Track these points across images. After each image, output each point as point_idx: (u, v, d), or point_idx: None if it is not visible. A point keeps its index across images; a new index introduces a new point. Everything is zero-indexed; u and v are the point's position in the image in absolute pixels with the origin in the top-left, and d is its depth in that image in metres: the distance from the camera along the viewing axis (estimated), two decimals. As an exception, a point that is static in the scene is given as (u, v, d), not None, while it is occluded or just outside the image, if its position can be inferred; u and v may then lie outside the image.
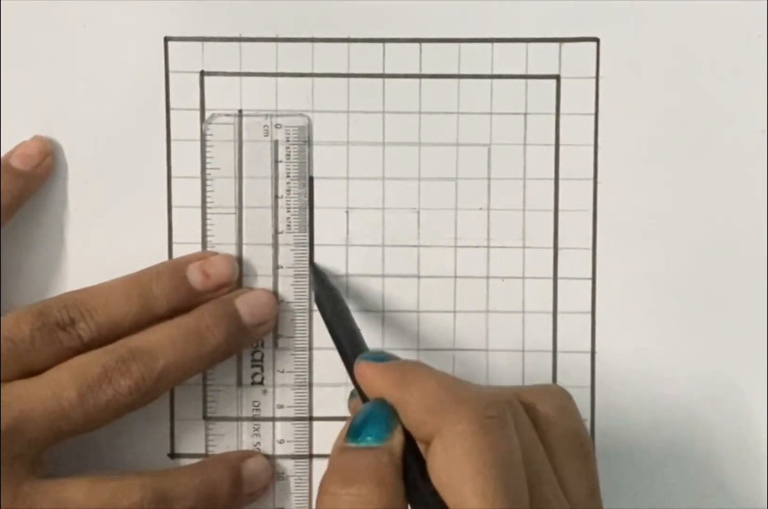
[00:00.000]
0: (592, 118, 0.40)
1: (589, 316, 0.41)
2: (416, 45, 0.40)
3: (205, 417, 0.41)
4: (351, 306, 0.40)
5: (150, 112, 0.40)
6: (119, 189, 0.40)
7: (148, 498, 0.36)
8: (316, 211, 0.41)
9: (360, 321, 0.40)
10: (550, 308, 0.41)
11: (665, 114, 0.40)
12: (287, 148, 0.40)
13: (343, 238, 0.41)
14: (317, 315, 0.40)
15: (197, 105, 0.40)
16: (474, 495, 0.28)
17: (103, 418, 0.36)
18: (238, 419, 0.41)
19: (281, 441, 0.41)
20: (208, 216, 0.40)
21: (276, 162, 0.40)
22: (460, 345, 0.41)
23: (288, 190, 0.40)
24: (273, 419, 0.41)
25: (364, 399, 0.33)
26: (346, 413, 0.39)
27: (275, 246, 0.40)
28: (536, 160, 0.40)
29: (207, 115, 0.40)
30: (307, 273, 0.40)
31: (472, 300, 0.41)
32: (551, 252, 0.41)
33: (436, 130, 0.40)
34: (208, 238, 0.40)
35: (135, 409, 0.37)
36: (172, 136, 0.40)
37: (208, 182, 0.40)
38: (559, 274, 0.41)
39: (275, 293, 0.40)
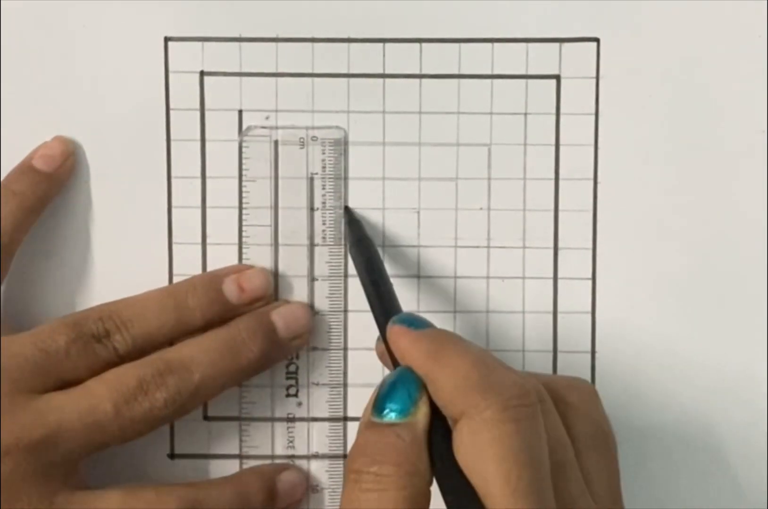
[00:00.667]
0: (592, 118, 0.40)
1: (589, 316, 0.41)
2: (416, 45, 0.40)
3: (206, 418, 0.41)
4: (351, 306, 0.40)
5: (150, 112, 0.40)
6: (119, 189, 0.40)
7: None
8: (315, 211, 0.41)
9: (359, 321, 0.40)
10: (550, 308, 0.41)
11: (665, 114, 0.40)
12: (323, 160, 0.40)
13: (342, 238, 0.41)
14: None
15: (197, 105, 0.40)
16: (497, 479, 0.29)
17: (138, 430, 0.36)
18: (273, 431, 0.40)
19: (316, 454, 0.40)
20: (244, 228, 0.40)
21: (311, 174, 0.40)
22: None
23: (323, 203, 0.40)
24: (308, 431, 0.40)
25: (393, 359, 0.33)
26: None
27: (310, 258, 0.40)
28: (536, 160, 0.40)
29: (208, 115, 0.40)
30: (342, 285, 0.40)
31: (472, 300, 0.41)
32: (551, 252, 0.41)
33: (436, 130, 0.40)
34: (244, 251, 0.40)
35: (169, 422, 0.37)
36: (172, 136, 0.40)
37: (245, 194, 0.40)
38: (559, 274, 0.41)
39: (310, 305, 0.40)
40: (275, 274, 0.40)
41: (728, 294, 0.40)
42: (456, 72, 0.40)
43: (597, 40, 0.40)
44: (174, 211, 0.40)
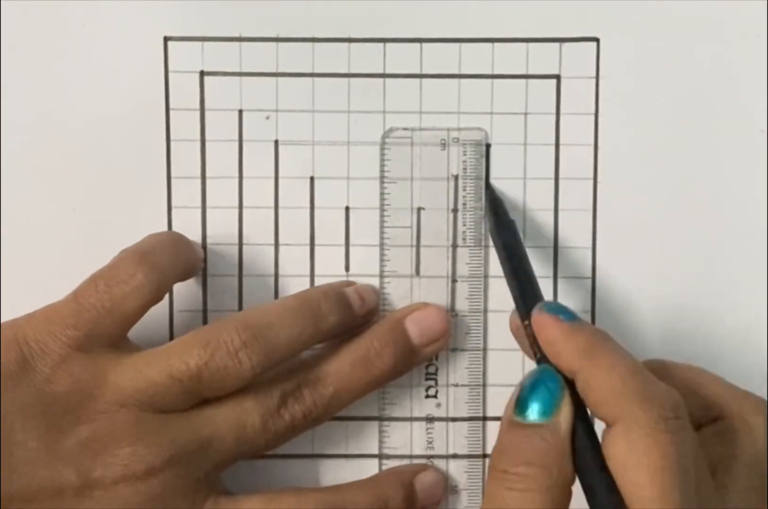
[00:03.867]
0: (592, 117, 0.40)
1: (589, 316, 0.41)
2: (417, 45, 0.40)
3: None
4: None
5: (150, 112, 0.40)
6: (119, 189, 0.40)
7: None
8: (316, 211, 0.41)
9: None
10: (551, 308, 0.41)
11: (665, 114, 0.40)
12: (464, 161, 0.40)
13: (343, 238, 0.41)
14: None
15: (197, 105, 0.40)
16: (651, 485, 0.30)
17: (278, 442, 0.37)
18: (412, 432, 0.40)
19: (454, 455, 0.40)
20: (385, 230, 0.40)
21: (452, 176, 0.40)
22: (460, 345, 0.41)
23: (464, 204, 0.40)
24: (446, 432, 0.40)
25: (535, 345, 0.34)
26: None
27: (451, 259, 0.40)
28: (536, 159, 0.40)
29: (208, 115, 0.40)
30: (482, 287, 0.40)
31: (472, 299, 0.41)
32: (551, 251, 0.41)
33: (436, 129, 0.40)
34: (385, 252, 0.40)
35: (303, 432, 0.38)
36: (172, 136, 0.40)
37: (385, 196, 0.40)
38: (559, 274, 0.41)
39: (450, 306, 0.40)
40: (416, 275, 0.40)
41: (728, 293, 0.40)
42: (456, 72, 0.40)
43: (597, 40, 0.40)
44: (174, 211, 0.40)
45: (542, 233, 0.40)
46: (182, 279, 0.39)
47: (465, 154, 0.40)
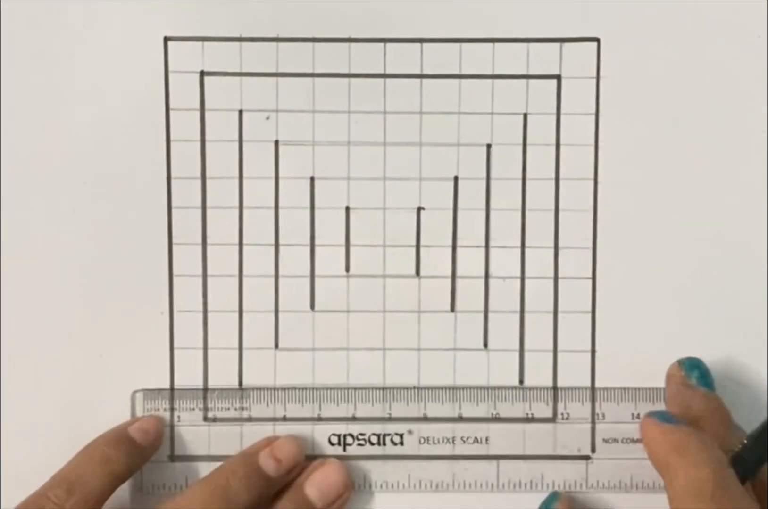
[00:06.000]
0: (593, 118, 0.40)
1: (589, 316, 0.41)
2: (417, 45, 0.40)
3: (206, 418, 0.41)
4: (351, 307, 0.40)
5: (150, 112, 0.40)
6: (119, 189, 0.40)
7: None
8: (316, 211, 0.41)
9: (360, 320, 0.40)
10: (551, 308, 0.41)
11: (665, 114, 0.40)
12: None
13: (343, 238, 0.41)
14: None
15: (197, 105, 0.40)
16: None
17: None
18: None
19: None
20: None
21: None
22: (460, 345, 0.41)
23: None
24: None
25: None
26: None
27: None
28: (536, 160, 0.40)
29: (208, 115, 0.40)
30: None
31: (472, 300, 0.41)
32: (551, 252, 0.41)
33: (436, 130, 0.40)
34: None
35: None
36: (172, 136, 0.40)
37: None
38: (559, 274, 0.41)
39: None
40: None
41: (729, 293, 0.40)
42: (456, 72, 0.40)
43: (597, 40, 0.40)
44: (174, 211, 0.40)
45: (542, 233, 0.41)
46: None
47: None
